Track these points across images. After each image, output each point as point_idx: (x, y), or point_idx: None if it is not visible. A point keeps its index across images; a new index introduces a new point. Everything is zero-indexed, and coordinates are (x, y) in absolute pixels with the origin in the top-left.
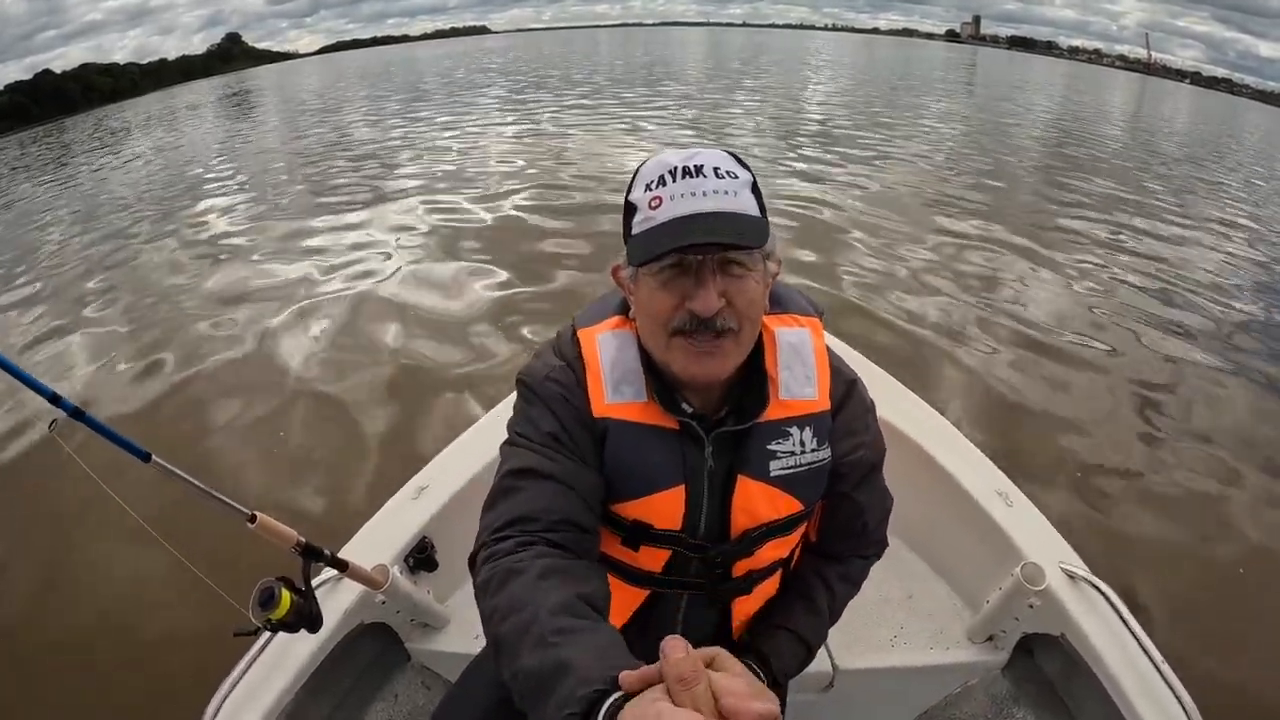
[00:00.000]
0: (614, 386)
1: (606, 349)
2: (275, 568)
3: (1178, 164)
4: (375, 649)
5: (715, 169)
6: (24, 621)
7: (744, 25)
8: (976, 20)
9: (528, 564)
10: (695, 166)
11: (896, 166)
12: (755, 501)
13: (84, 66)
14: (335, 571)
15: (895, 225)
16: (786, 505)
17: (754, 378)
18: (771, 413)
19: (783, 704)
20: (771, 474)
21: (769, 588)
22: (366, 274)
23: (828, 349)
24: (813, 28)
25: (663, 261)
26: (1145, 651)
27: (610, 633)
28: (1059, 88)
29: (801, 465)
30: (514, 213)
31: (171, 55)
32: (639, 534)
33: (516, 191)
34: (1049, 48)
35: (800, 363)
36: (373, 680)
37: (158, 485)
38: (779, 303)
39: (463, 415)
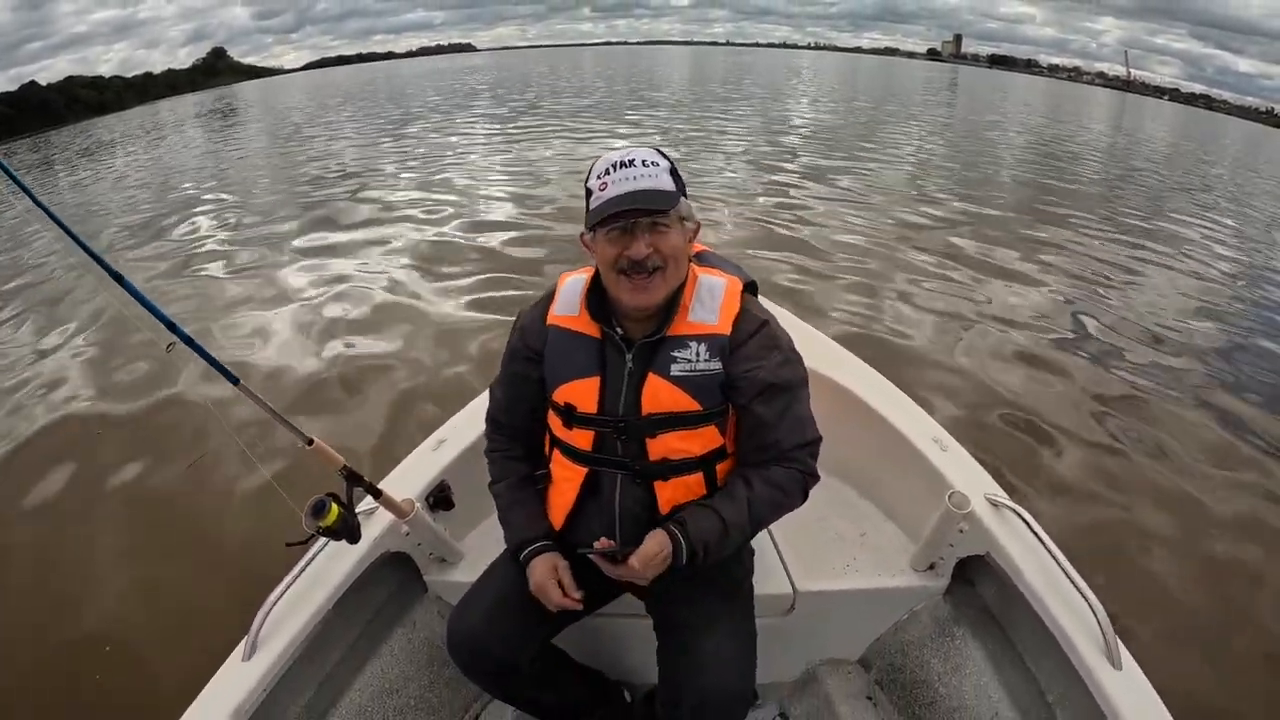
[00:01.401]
0: (561, 304)
1: (569, 283)
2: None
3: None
4: (397, 579)
5: (643, 160)
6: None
7: (727, 44)
8: (957, 39)
9: (499, 450)
10: (628, 160)
11: (877, 181)
12: (659, 393)
13: (69, 79)
14: (371, 501)
15: (875, 236)
16: (685, 402)
17: (671, 305)
18: (677, 329)
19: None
20: (671, 374)
21: (691, 483)
22: (348, 284)
23: (753, 301)
24: (796, 46)
25: (608, 226)
26: (1058, 563)
27: (538, 505)
28: (1039, 104)
29: (695, 372)
30: (502, 220)
31: (157, 69)
32: (570, 415)
33: (504, 203)
34: (1029, 66)
35: (711, 298)
36: (394, 608)
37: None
38: (710, 263)
39: (471, 387)
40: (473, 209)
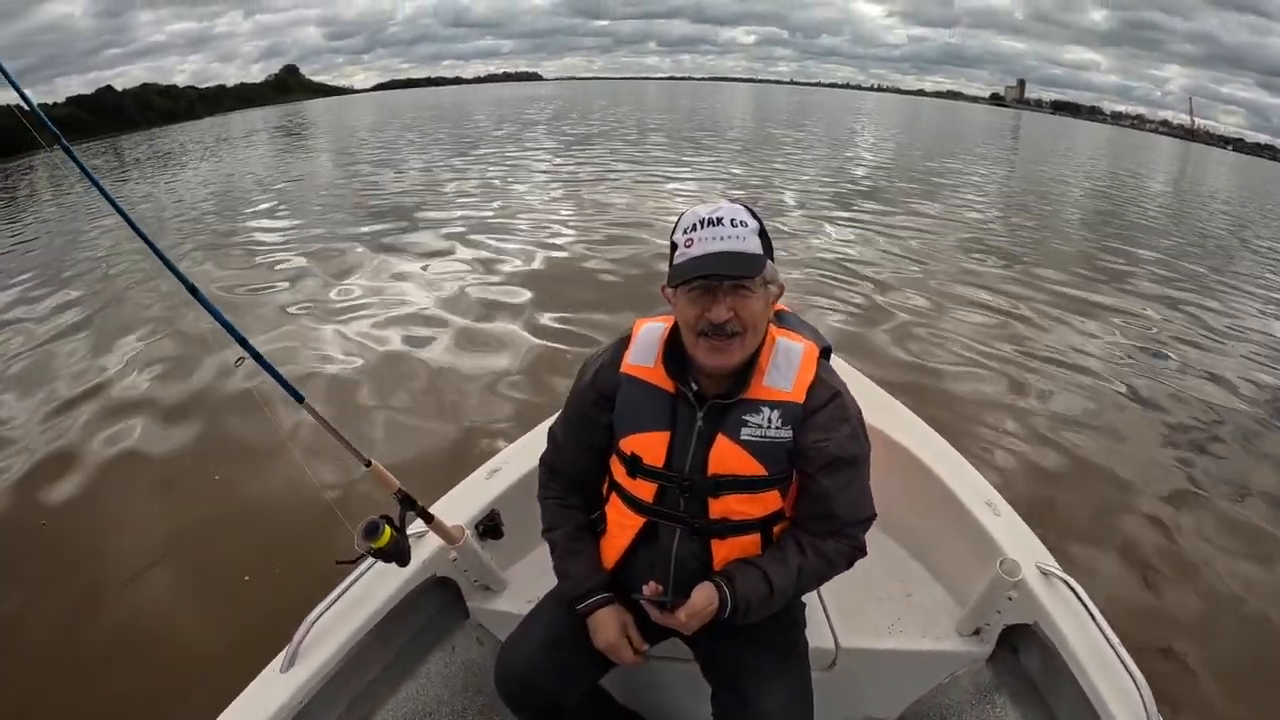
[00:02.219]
0: (636, 352)
1: (645, 331)
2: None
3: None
4: (438, 603)
5: (732, 219)
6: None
7: (791, 83)
8: (1021, 84)
9: (554, 498)
10: (717, 218)
11: (936, 227)
12: (726, 456)
13: (144, 86)
14: (422, 524)
15: (936, 283)
16: (751, 467)
17: (748, 368)
18: (752, 393)
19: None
20: (741, 437)
21: (747, 543)
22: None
23: (828, 368)
24: (859, 88)
25: (691, 285)
26: (1106, 637)
27: (596, 554)
28: (1102, 151)
29: (765, 438)
30: (562, 255)
31: (230, 82)
32: (635, 465)
33: (566, 236)
34: (1092, 112)
35: (787, 364)
36: (433, 632)
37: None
38: (789, 325)
39: (525, 417)
40: (532, 239)
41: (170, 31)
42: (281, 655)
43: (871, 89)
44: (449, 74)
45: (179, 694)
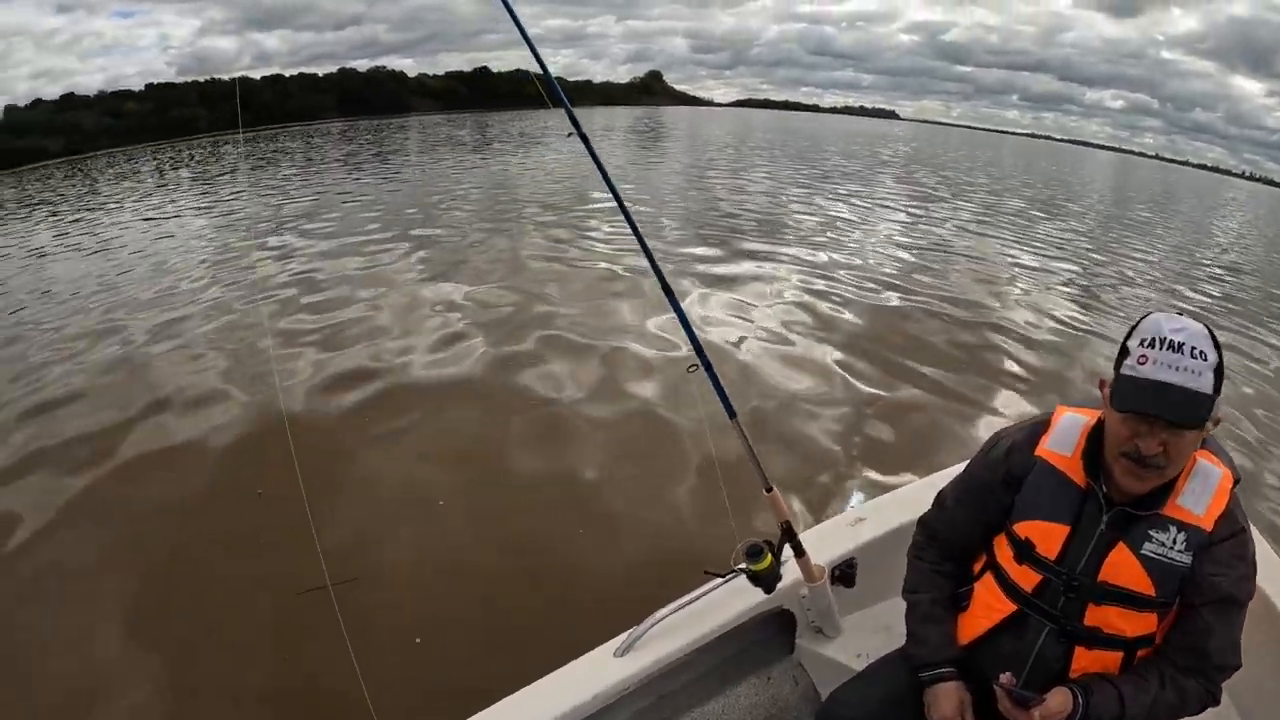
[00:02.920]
0: (1055, 439)
1: (1067, 420)
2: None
3: None
4: (769, 631)
5: (1193, 349)
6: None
7: (1156, 158)
8: None
9: (928, 562)
10: (1179, 342)
11: None
12: (1121, 567)
13: (516, 71)
14: (789, 553)
15: None
16: (1143, 584)
17: (1166, 485)
18: (1165, 510)
19: None
20: (1142, 551)
21: (1109, 659)
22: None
23: (1238, 500)
24: (1229, 172)
25: (1129, 411)
26: None
27: (954, 627)
28: None
29: (1165, 558)
30: (899, 305)
31: (597, 79)
32: (1024, 551)
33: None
34: None
35: (1203, 488)
36: (755, 657)
37: None
38: (1210, 447)
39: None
40: (876, 286)
41: (547, 26)
42: (618, 639)
43: (1242, 175)
44: (806, 100)
45: (505, 648)
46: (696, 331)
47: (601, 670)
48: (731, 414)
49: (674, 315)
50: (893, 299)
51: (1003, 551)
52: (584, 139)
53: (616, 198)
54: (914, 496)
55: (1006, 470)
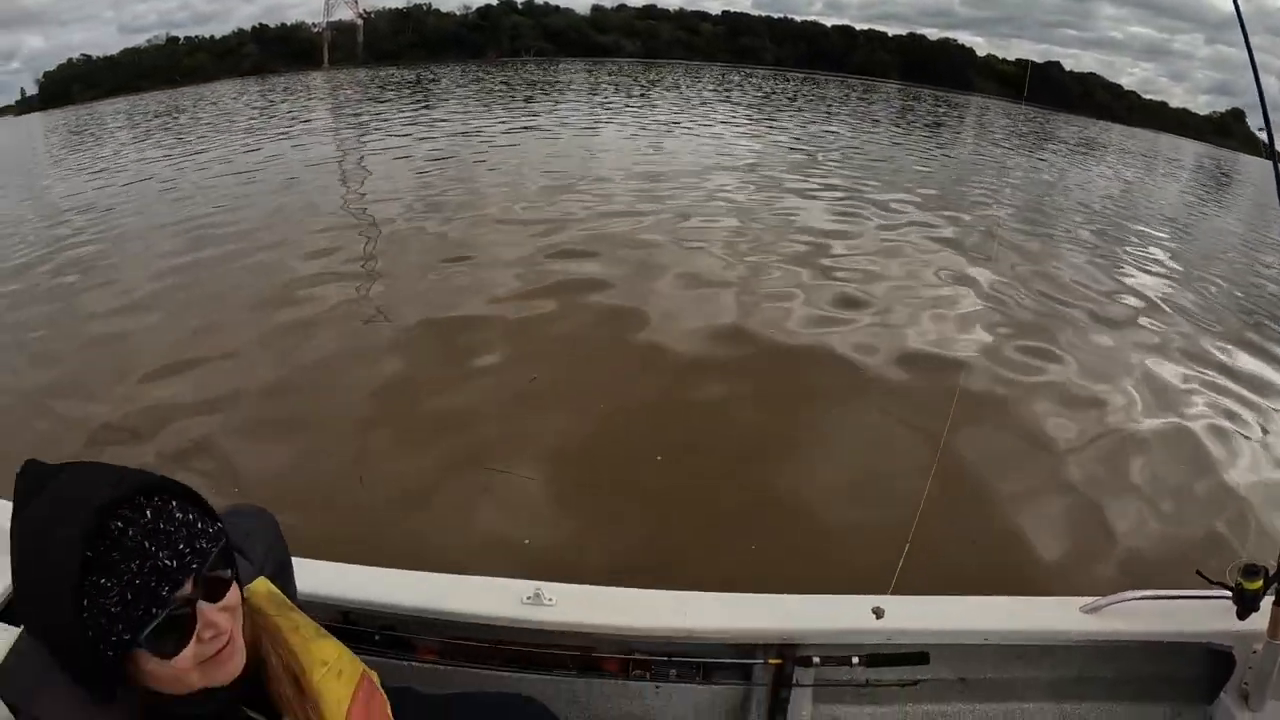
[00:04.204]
0: None
1: None
2: None
3: None
4: (1198, 669)
5: None
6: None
7: None
8: None
9: None
10: None
11: None
12: None
13: (1090, 75)
14: (1273, 596)
15: None
16: None
17: None
18: None
19: None
20: None
21: None
22: None
23: None
24: None
25: None
26: None
27: None
28: None
29: None
30: None
31: (1173, 103)
32: None
33: None
34: None
35: None
36: (1171, 688)
37: None
38: None
39: None
40: None
41: (1128, 32)
42: (1089, 600)
43: None
44: None
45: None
46: None
47: (1062, 615)
48: None
49: None
50: None
51: None
52: None
53: None
54: None
55: None
